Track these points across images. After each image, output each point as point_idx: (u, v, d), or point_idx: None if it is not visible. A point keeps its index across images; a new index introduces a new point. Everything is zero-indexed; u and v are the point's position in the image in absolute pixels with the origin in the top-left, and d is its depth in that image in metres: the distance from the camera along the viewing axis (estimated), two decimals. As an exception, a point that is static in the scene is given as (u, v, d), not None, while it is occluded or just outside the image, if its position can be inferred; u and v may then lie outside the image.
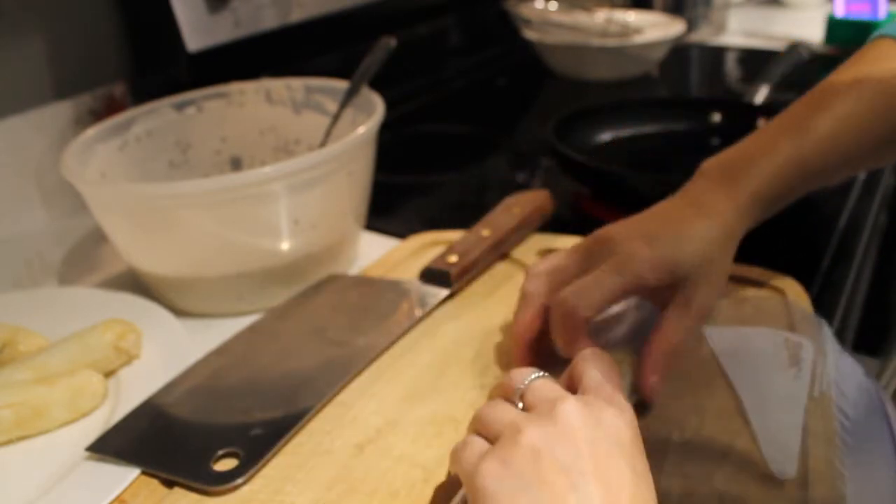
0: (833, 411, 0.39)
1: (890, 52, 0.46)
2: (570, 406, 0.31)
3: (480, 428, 0.33)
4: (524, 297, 0.43)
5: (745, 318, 0.47)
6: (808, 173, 0.44)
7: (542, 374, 0.35)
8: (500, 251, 0.56)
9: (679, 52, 1.16)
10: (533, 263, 0.45)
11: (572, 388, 0.35)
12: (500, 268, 0.56)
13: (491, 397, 0.36)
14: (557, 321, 0.40)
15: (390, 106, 0.58)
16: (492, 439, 0.32)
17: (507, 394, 0.35)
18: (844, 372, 0.42)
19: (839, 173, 0.47)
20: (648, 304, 0.44)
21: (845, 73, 0.47)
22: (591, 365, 0.35)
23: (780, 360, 0.42)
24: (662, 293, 0.41)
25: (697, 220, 0.42)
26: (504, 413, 0.33)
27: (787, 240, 0.60)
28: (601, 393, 0.33)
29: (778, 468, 0.35)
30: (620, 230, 0.43)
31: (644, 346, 0.41)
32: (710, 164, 0.46)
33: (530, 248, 0.58)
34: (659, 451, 0.36)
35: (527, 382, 0.34)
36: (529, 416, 0.31)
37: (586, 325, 0.40)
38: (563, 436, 0.30)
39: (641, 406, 0.40)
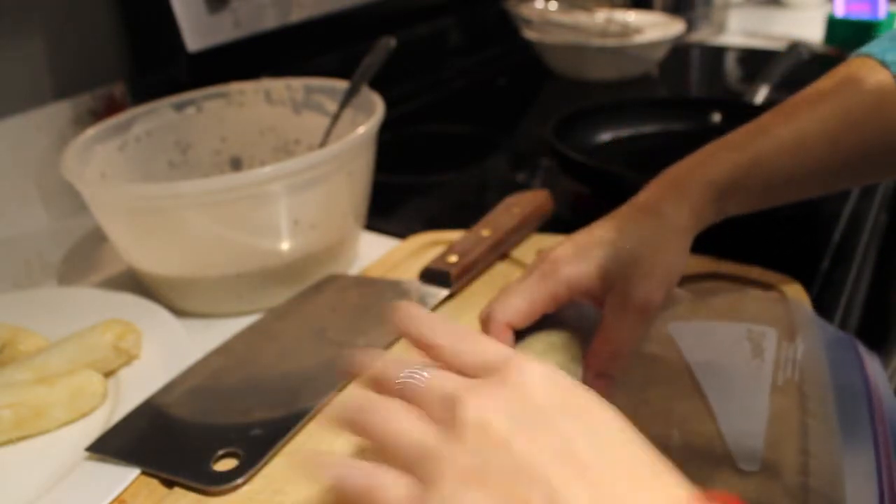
0: (801, 396, 0.39)
1: (865, 71, 0.44)
2: (478, 401, 0.26)
3: (382, 457, 0.28)
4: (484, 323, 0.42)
5: (744, 318, 0.47)
6: (766, 174, 0.44)
7: (418, 370, 0.30)
8: (500, 251, 0.56)
9: (679, 52, 1.16)
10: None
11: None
12: (500, 268, 0.56)
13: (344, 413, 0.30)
14: (483, 329, 0.41)
15: (390, 106, 0.58)
16: (402, 468, 0.27)
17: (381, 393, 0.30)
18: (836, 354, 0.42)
19: (804, 185, 0.46)
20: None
21: (818, 87, 0.46)
22: (454, 338, 0.31)
23: (743, 353, 0.42)
24: (601, 300, 0.41)
25: (632, 221, 0.42)
26: (403, 433, 0.27)
27: (787, 240, 0.60)
28: (496, 363, 0.28)
29: (742, 462, 0.35)
30: (557, 247, 0.42)
31: (587, 350, 0.40)
32: (663, 172, 0.45)
33: (530, 248, 0.58)
34: None
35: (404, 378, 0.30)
36: (439, 431, 0.27)
37: (508, 332, 0.40)
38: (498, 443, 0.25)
39: None
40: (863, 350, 0.44)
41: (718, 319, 0.46)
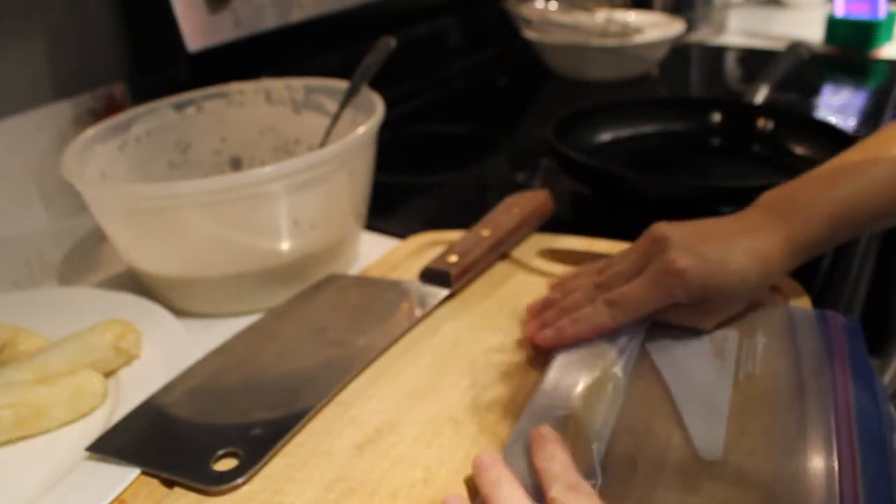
0: (762, 390, 0.40)
1: None
2: None
3: None
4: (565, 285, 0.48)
5: (744, 318, 0.47)
6: (860, 216, 0.46)
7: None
8: (499, 251, 0.56)
9: (679, 52, 1.16)
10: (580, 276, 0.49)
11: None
12: (500, 268, 0.56)
13: None
14: (588, 326, 0.43)
15: (390, 106, 0.58)
16: None
17: None
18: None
19: (886, 221, 0.47)
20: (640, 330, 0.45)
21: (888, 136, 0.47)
22: (547, 460, 0.35)
23: (705, 353, 0.43)
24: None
25: (744, 250, 0.43)
26: None
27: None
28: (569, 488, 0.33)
29: (705, 452, 0.36)
30: (675, 235, 0.44)
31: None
32: (768, 197, 0.47)
33: (530, 247, 0.58)
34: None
35: None
36: None
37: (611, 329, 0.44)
38: None
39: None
40: (834, 322, 0.45)
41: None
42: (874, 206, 0.46)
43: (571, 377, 0.41)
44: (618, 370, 0.41)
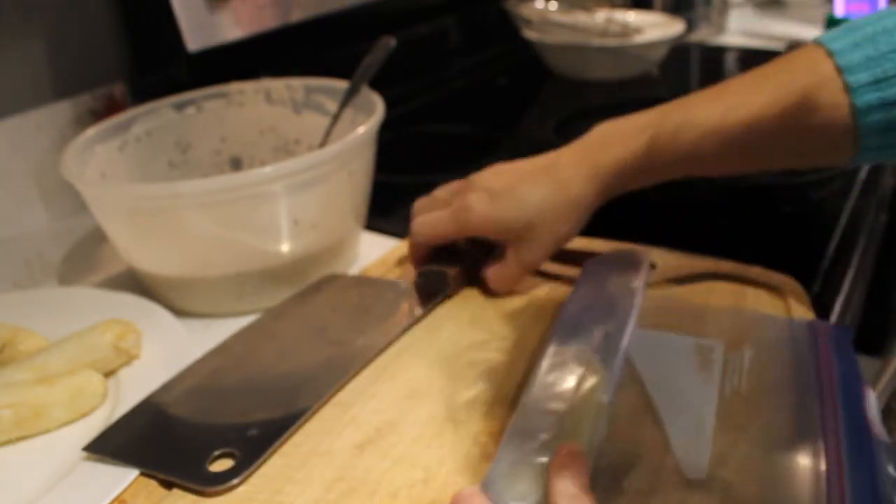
0: (748, 405, 0.40)
1: (809, 57, 0.42)
2: None
3: None
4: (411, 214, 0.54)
5: (745, 318, 0.47)
6: (676, 151, 0.45)
7: None
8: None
9: (679, 52, 1.16)
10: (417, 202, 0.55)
11: None
12: (500, 268, 0.56)
13: None
14: (409, 242, 0.54)
15: (390, 106, 0.58)
16: None
17: None
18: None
19: (717, 164, 0.46)
20: (616, 319, 0.43)
21: (761, 69, 0.45)
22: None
23: (690, 366, 0.43)
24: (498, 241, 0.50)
25: (542, 184, 0.48)
26: None
27: (787, 240, 0.60)
28: None
29: (690, 470, 0.35)
30: (485, 175, 0.51)
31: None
32: (595, 130, 0.50)
33: (530, 248, 0.58)
34: None
35: None
36: None
37: (425, 249, 0.53)
38: None
39: None
40: (823, 332, 0.44)
41: (677, 329, 0.46)
42: (691, 140, 0.44)
43: (554, 402, 0.38)
44: (604, 397, 0.38)
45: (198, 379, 0.45)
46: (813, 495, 0.34)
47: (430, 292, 0.52)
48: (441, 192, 0.54)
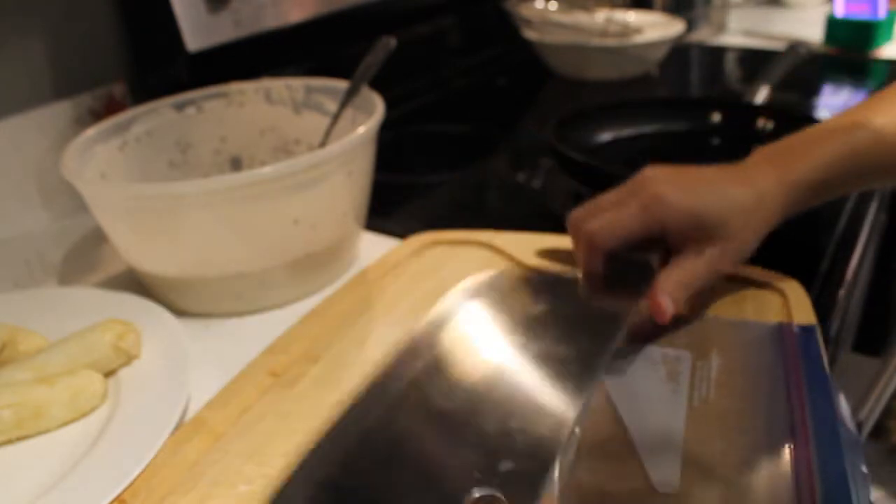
0: (717, 413, 0.40)
1: None
2: None
3: None
4: (570, 225, 0.48)
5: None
6: (861, 166, 0.46)
7: None
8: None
9: (679, 52, 1.16)
10: (577, 212, 0.49)
11: None
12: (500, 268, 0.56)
13: None
14: (581, 248, 0.46)
15: (390, 106, 0.58)
16: None
17: None
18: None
19: (874, 180, 0.48)
20: (597, 341, 0.43)
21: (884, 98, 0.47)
22: None
23: (659, 377, 0.43)
24: (681, 243, 0.44)
25: (736, 185, 0.44)
26: None
27: (787, 240, 0.60)
28: None
29: (661, 485, 0.35)
30: (660, 174, 0.45)
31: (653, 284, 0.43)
32: (762, 149, 0.48)
33: (530, 247, 0.58)
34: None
35: None
36: None
37: (604, 253, 0.45)
38: None
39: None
40: (789, 333, 0.45)
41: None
42: (872, 152, 0.46)
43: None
44: (575, 429, 0.38)
45: (389, 401, 0.38)
46: (785, 496, 0.34)
47: (629, 285, 0.46)
48: (607, 198, 0.47)
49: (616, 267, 0.46)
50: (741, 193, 0.44)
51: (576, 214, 0.48)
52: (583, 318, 0.45)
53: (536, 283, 0.48)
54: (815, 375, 0.41)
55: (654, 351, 0.45)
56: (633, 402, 0.41)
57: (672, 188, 0.44)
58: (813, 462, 0.35)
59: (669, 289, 0.43)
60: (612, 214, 0.45)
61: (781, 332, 0.45)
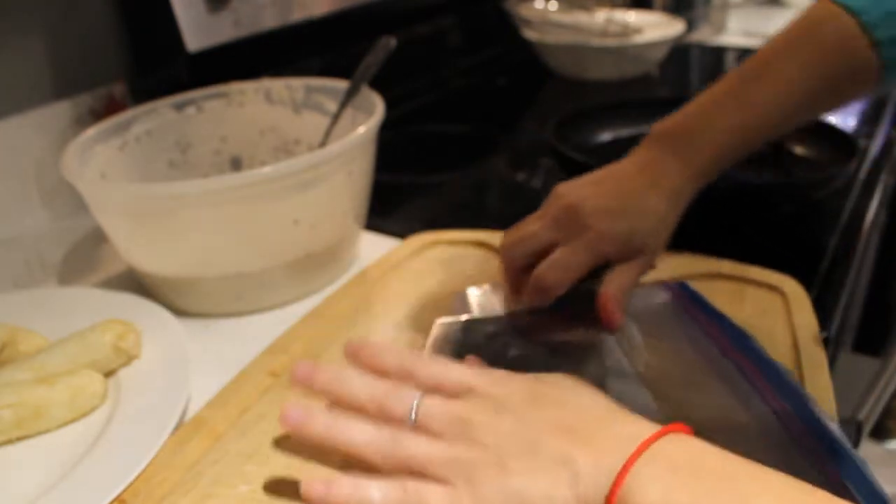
0: (665, 372, 0.43)
1: (825, 15, 0.48)
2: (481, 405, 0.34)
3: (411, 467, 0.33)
4: (504, 264, 0.48)
5: (745, 318, 0.47)
6: (750, 140, 0.48)
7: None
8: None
9: (679, 52, 1.16)
10: (506, 232, 0.48)
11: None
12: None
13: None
14: (533, 293, 0.45)
15: (390, 106, 0.58)
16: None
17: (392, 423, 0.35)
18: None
19: (780, 130, 0.49)
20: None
21: (782, 38, 0.50)
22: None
23: (600, 361, 0.44)
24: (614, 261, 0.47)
25: (652, 192, 0.46)
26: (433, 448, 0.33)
27: (787, 240, 0.60)
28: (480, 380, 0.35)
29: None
30: (586, 202, 0.46)
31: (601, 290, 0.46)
32: (659, 131, 0.49)
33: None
34: None
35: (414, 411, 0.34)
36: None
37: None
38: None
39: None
40: (672, 289, 0.49)
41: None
42: (762, 126, 0.48)
43: None
44: None
45: None
46: (772, 425, 0.37)
47: (581, 313, 0.47)
48: (533, 225, 0.47)
49: (578, 295, 0.48)
50: (659, 202, 0.46)
51: (508, 249, 0.47)
52: (557, 351, 0.46)
53: (493, 327, 0.47)
54: (727, 324, 0.45)
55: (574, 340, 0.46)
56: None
57: (608, 219, 0.45)
58: (782, 399, 0.39)
59: (617, 299, 0.45)
60: (561, 258, 0.45)
61: (670, 290, 0.49)
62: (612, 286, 0.45)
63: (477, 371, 0.37)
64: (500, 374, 0.36)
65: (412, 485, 0.32)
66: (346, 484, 0.33)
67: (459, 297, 0.50)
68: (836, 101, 0.50)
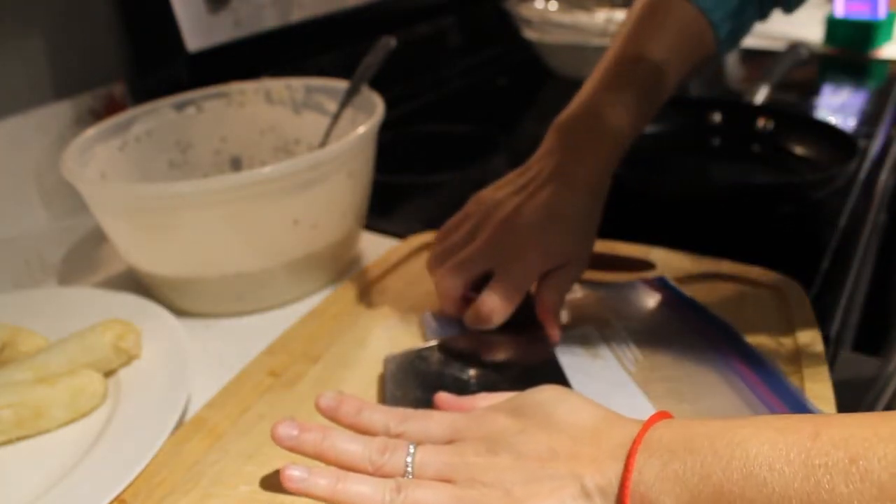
0: (654, 365, 0.44)
1: (665, 6, 0.53)
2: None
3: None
4: (443, 296, 0.48)
5: (745, 318, 0.47)
6: (649, 111, 0.51)
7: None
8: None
9: (679, 52, 1.16)
10: (433, 253, 0.50)
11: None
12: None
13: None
14: (475, 323, 0.46)
15: (390, 106, 0.58)
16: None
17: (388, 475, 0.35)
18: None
19: (660, 104, 0.53)
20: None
21: (641, 25, 0.53)
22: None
23: (582, 359, 0.45)
24: None
25: (573, 196, 0.47)
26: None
27: (787, 240, 0.60)
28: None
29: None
30: (515, 221, 0.46)
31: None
32: (562, 129, 0.51)
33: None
34: None
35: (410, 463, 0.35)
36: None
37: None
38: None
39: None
40: (656, 287, 0.51)
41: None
42: (652, 108, 0.51)
43: None
44: None
45: None
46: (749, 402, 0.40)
47: (522, 321, 0.47)
48: (469, 251, 0.47)
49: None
50: (584, 203, 0.47)
51: (443, 279, 0.47)
52: (514, 364, 0.46)
53: (442, 353, 0.46)
54: (706, 314, 0.47)
55: (563, 338, 0.47)
56: (579, 389, 0.41)
57: (541, 238, 0.45)
58: (761, 379, 0.41)
59: (553, 310, 0.46)
60: (501, 292, 0.45)
61: (651, 286, 0.51)
62: (548, 297, 0.46)
63: (459, 415, 0.37)
64: (484, 411, 0.36)
65: None
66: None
67: (424, 320, 0.50)
68: (694, 70, 0.54)
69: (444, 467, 0.34)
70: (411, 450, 0.35)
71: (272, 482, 0.37)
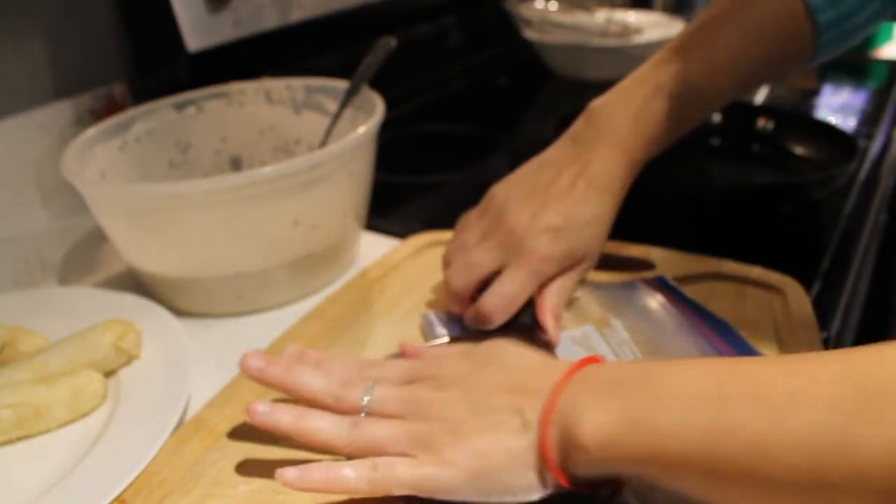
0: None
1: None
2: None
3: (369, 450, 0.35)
4: (452, 294, 0.48)
5: (745, 318, 0.47)
6: (682, 126, 0.48)
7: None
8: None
9: (679, 52, 1.16)
10: (445, 253, 0.50)
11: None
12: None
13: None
14: (476, 322, 0.46)
15: (390, 106, 0.58)
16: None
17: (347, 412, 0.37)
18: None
19: (714, 106, 0.50)
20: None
21: (719, 13, 0.48)
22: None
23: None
24: None
25: (590, 198, 0.46)
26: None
27: (787, 240, 0.60)
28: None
29: None
30: (524, 221, 0.46)
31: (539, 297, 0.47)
32: (597, 113, 0.49)
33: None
34: None
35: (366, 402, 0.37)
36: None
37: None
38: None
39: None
40: (656, 287, 0.51)
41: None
42: (685, 125, 0.49)
43: None
44: None
45: None
46: None
47: (522, 321, 0.48)
48: (472, 238, 0.48)
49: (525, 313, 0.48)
50: (600, 207, 0.47)
51: (454, 278, 0.48)
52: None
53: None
54: (705, 314, 0.47)
55: (563, 339, 0.47)
56: None
57: (552, 242, 0.45)
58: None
59: (554, 313, 0.46)
60: (505, 292, 0.45)
61: (650, 286, 0.51)
62: (550, 299, 0.46)
63: (417, 360, 0.40)
64: (437, 355, 0.40)
65: (380, 460, 0.34)
66: (319, 467, 0.35)
67: (425, 319, 0.50)
68: (770, 75, 0.51)
69: (400, 402, 0.37)
70: (370, 385, 0.38)
71: (272, 482, 0.37)
